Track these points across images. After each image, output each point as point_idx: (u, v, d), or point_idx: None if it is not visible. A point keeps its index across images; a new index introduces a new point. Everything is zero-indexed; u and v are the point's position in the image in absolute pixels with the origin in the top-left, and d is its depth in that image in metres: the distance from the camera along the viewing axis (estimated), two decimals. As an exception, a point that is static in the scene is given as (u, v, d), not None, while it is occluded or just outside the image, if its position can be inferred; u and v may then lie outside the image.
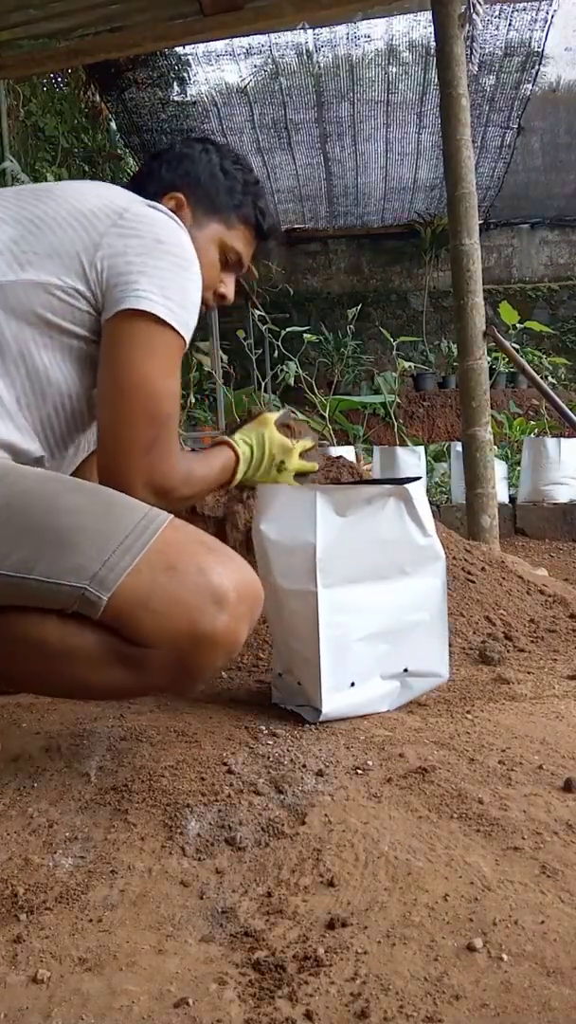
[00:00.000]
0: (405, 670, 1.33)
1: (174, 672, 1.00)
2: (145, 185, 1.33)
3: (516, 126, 6.68)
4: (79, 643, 0.98)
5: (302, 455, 1.44)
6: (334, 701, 1.26)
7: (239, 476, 1.36)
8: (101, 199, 1.16)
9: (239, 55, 5.78)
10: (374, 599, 1.29)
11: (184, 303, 1.13)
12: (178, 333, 1.12)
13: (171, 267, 1.13)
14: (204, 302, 1.38)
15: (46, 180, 5.00)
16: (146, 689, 1.06)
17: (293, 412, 1.56)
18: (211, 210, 1.34)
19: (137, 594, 0.96)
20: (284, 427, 1.44)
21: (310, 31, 5.36)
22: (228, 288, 1.40)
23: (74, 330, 1.13)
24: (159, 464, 1.12)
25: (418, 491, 1.31)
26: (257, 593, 1.06)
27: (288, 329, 4.64)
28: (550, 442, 4.39)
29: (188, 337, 1.15)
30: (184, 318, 1.13)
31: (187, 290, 1.14)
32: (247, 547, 1.76)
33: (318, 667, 1.25)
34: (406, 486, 1.31)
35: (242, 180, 1.38)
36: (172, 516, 1.05)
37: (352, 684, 1.27)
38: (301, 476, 1.42)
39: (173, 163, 1.35)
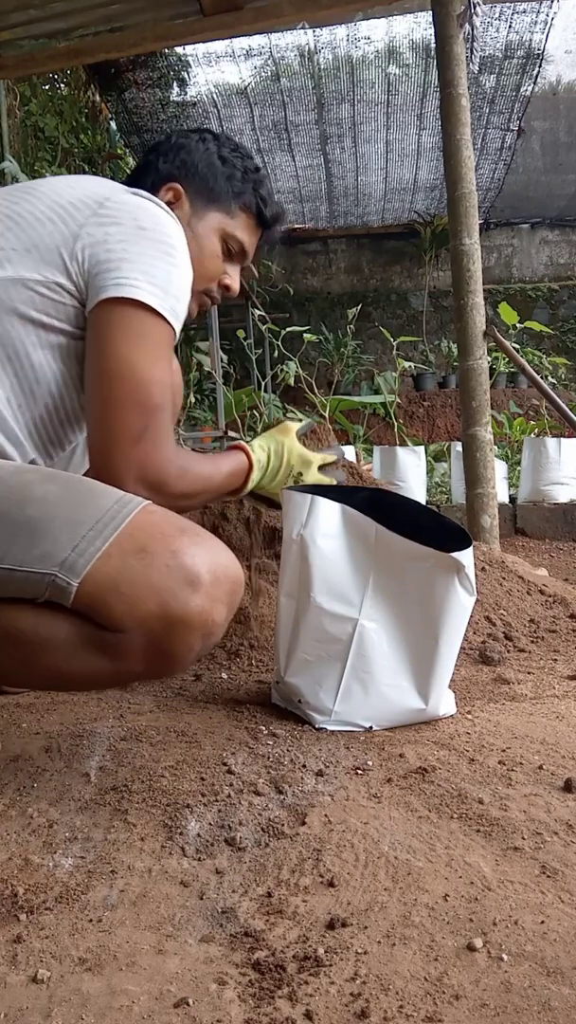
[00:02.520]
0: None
1: (151, 656, 0.98)
2: (142, 179, 1.31)
3: (516, 128, 6.67)
4: (52, 632, 0.96)
5: (323, 468, 1.40)
6: (338, 726, 1.25)
7: (252, 483, 1.34)
8: (83, 191, 1.14)
9: (239, 56, 5.78)
10: (409, 648, 1.25)
11: (169, 289, 1.09)
12: (165, 320, 1.09)
13: (155, 253, 1.09)
14: (208, 294, 1.37)
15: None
16: (126, 675, 1.02)
17: (319, 421, 1.53)
18: (210, 199, 1.32)
19: (107, 578, 0.94)
20: (307, 435, 1.40)
21: (310, 32, 5.36)
22: (233, 279, 1.38)
23: (59, 326, 1.10)
24: (150, 455, 1.08)
25: (468, 559, 1.23)
26: (234, 576, 1.03)
27: (288, 329, 4.62)
28: (550, 442, 4.38)
29: (177, 326, 1.12)
30: (171, 304, 1.09)
31: (172, 276, 1.10)
32: (244, 543, 1.76)
33: (335, 691, 1.24)
34: (456, 556, 1.21)
35: (241, 167, 1.36)
36: (147, 501, 1.02)
37: (370, 728, 1.25)
38: None
39: (169, 154, 1.34)
